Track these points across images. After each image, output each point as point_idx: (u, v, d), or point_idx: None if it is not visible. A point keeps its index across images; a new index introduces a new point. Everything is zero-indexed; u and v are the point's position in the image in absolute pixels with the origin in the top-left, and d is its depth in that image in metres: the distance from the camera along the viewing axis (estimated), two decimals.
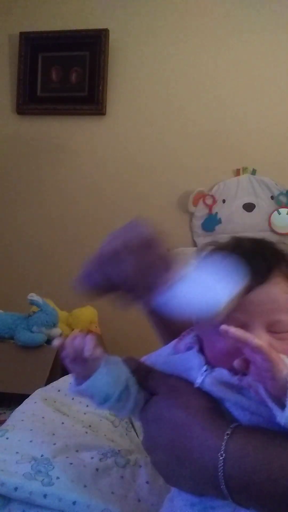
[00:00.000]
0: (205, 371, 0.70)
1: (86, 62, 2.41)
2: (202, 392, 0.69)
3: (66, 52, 2.44)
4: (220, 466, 0.61)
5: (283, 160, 2.29)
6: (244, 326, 0.65)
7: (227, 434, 0.62)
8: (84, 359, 0.70)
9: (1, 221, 2.55)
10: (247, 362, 0.61)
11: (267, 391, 0.59)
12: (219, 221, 2.32)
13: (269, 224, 2.30)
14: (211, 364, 0.70)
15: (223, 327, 0.59)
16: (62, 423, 1.06)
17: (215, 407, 0.68)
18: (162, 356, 0.78)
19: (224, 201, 2.33)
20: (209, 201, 2.32)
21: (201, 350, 0.73)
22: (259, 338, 0.62)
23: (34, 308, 1.96)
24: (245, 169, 2.33)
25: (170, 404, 0.70)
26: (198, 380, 0.69)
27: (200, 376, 0.70)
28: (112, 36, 2.39)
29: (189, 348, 0.74)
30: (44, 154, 2.50)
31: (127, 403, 0.74)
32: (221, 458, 0.61)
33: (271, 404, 0.59)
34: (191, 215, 2.35)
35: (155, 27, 2.38)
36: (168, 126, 2.38)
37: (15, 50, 2.49)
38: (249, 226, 2.30)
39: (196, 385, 0.69)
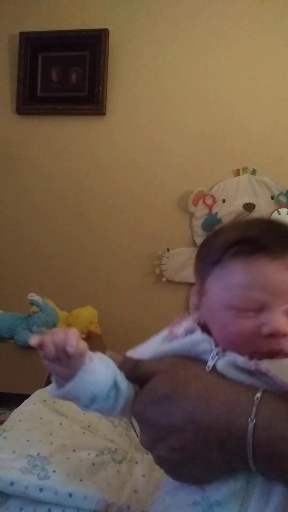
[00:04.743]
0: (216, 354, 0.65)
1: (86, 62, 2.41)
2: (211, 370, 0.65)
3: (66, 52, 2.44)
4: (250, 433, 0.57)
5: (283, 160, 2.29)
6: (262, 307, 0.63)
7: (257, 398, 0.59)
8: (67, 356, 0.63)
9: (1, 221, 2.55)
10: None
11: None
12: (219, 221, 2.32)
13: None
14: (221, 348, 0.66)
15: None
16: (60, 424, 1.06)
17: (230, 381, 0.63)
18: (152, 347, 0.72)
19: (224, 201, 2.33)
20: (209, 201, 2.32)
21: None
22: (279, 321, 0.62)
23: (34, 308, 1.97)
24: (245, 169, 2.33)
25: (181, 377, 0.64)
26: (210, 363, 0.64)
27: (211, 359, 0.65)
28: (112, 36, 2.39)
29: (190, 332, 0.69)
30: (44, 154, 2.50)
31: (116, 402, 0.67)
32: (251, 423, 0.57)
33: None
34: (191, 215, 2.35)
35: (155, 27, 2.38)
36: (168, 126, 2.38)
37: (15, 50, 2.49)
38: None
39: (208, 369, 0.64)
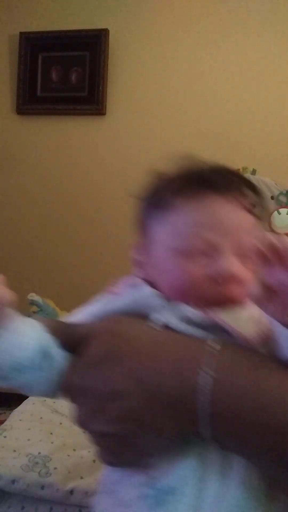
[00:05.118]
0: (164, 308, 0.55)
1: (86, 62, 2.41)
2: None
3: (66, 52, 2.44)
4: (207, 389, 0.47)
5: (283, 160, 2.29)
6: (214, 250, 0.56)
7: (215, 349, 0.49)
8: None
9: (1, 221, 2.55)
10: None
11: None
12: None
13: (269, 224, 2.29)
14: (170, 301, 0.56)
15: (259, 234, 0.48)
16: (60, 423, 1.06)
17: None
18: (90, 309, 0.59)
19: None
20: None
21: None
22: (233, 265, 0.55)
23: (34, 308, 1.96)
24: (245, 169, 2.32)
25: (124, 335, 0.53)
26: (158, 318, 0.55)
27: (159, 314, 0.55)
28: (112, 36, 2.39)
29: (134, 288, 0.59)
30: (44, 154, 2.50)
31: (50, 375, 0.53)
32: (209, 378, 0.47)
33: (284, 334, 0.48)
34: None
35: (155, 27, 2.38)
36: (168, 126, 2.38)
37: (15, 50, 2.49)
38: None
39: (156, 325, 0.54)
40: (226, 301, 0.55)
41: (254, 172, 2.32)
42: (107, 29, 2.38)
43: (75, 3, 2.45)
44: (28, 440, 0.96)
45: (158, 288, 0.58)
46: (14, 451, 0.91)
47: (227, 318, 0.53)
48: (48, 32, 2.45)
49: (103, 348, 0.53)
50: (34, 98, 2.48)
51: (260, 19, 2.29)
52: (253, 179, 0.65)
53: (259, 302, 0.50)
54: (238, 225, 0.57)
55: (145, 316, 0.56)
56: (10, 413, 1.16)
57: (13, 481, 0.82)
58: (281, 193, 2.29)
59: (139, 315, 0.56)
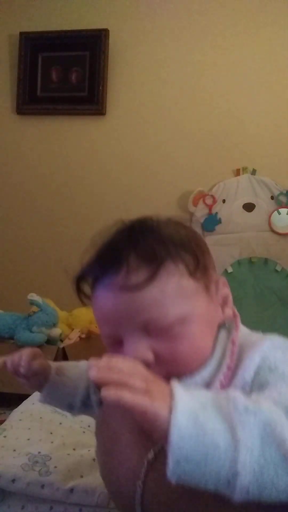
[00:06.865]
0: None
1: (86, 62, 2.41)
2: None
3: (66, 52, 2.44)
4: (138, 498, 0.54)
5: (283, 160, 2.29)
6: (117, 339, 0.57)
7: (148, 459, 0.55)
8: (23, 376, 0.69)
9: (1, 221, 2.55)
10: None
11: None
12: (219, 221, 2.32)
13: (269, 224, 2.29)
14: None
15: (90, 361, 0.50)
16: (60, 423, 1.06)
17: None
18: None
19: (224, 201, 2.32)
20: (209, 201, 2.32)
21: None
22: (138, 345, 0.54)
23: (34, 308, 1.96)
24: (245, 169, 2.33)
25: (111, 412, 0.64)
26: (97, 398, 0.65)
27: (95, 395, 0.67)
28: (112, 36, 2.39)
29: None
30: (44, 154, 2.50)
31: (94, 409, 0.69)
32: (139, 489, 0.54)
33: None
34: (191, 215, 2.35)
35: (155, 27, 2.38)
36: (168, 126, 2.38)
37: (15, 50, 2.49)
38: (249, 226, 2.30)
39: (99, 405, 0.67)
40: None
41: (254, 172, 2.32)
42: (107, 29, 2.38)
43: (75, 3, 2.45)
44: (28, 439, 0.96)
45: None
46: (14, 450, 0.91)
47: None
48: (48, 32, 2.45)
49: (102, 411, 0.65)
50: (34, 98, 2.48)
51: (260, 19, 2.29)
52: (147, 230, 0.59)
53: None
54: (118, 314, 0.56)
55: None
56: (10, 413, 1.16)
57: (13, 480, 0.82)
58: (281, 193, 2.29)
59: None
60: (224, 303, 0.61)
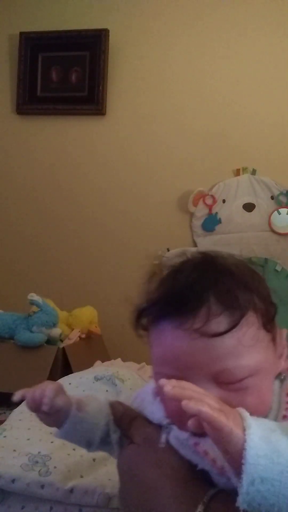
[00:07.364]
0: (166, 427, 0.60)
1: (86, 62, 2.41)
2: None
3: (66, 52, 2.44)
4: None
5: (283, 160, 2.29)
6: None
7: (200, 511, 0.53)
8: (45, 413, 0.65)
9: (1, 221, 2.55)
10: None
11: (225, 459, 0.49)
12: (219, 221, 2.32)
13: (269, 224, 2.29)
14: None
15: (161, 381, 0.50)
16: None
17: (189, 468, 0.57)
18: (149, 393, 0.67)
19: (224, 201, 2.33)
20: (209, 201, 2.32)
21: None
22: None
23: (34, 308, 1.96)
24: (245, 169, 2.33)
25: (143, 459, 0.61)
26: (162, 439, 0.59)
27: (163, 433, 0.60)
28: (112, 36, 2.39)
29: (155, 395, 0.64)
30: (44, 154, 2.50)
31: (114, 447, 0.67)
32: None
33: (231, 475, 0.49)
34: (191, 215, 2.35)
35: (155, 27, 2.38)
36: (168, 126, 2.38)
37: (15, 50, 2.49)
38: (249, 226, 2.30)
39: (161, 445, 0.59)
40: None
41: (254, 172, 2.32)
42: (107, 29, 2.38)
43: (75, 3, 2.45)
44: (28, 439, 0.95)
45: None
46: (14, 450, 0.91)
47: (211, 447, 0.53)
48: (48, 32, 2.45)
49: (124, 468, 0.63)
50: (34, 98, 2.48)
51: (260, 19, 2.29)
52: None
53: None
54: (191, 359, 0.55)
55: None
56: (10, 413, 1.16)
57: (13, 480, 0.82)
58: (281, 193, 2.29)
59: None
60: (281, 355, 0.62)
